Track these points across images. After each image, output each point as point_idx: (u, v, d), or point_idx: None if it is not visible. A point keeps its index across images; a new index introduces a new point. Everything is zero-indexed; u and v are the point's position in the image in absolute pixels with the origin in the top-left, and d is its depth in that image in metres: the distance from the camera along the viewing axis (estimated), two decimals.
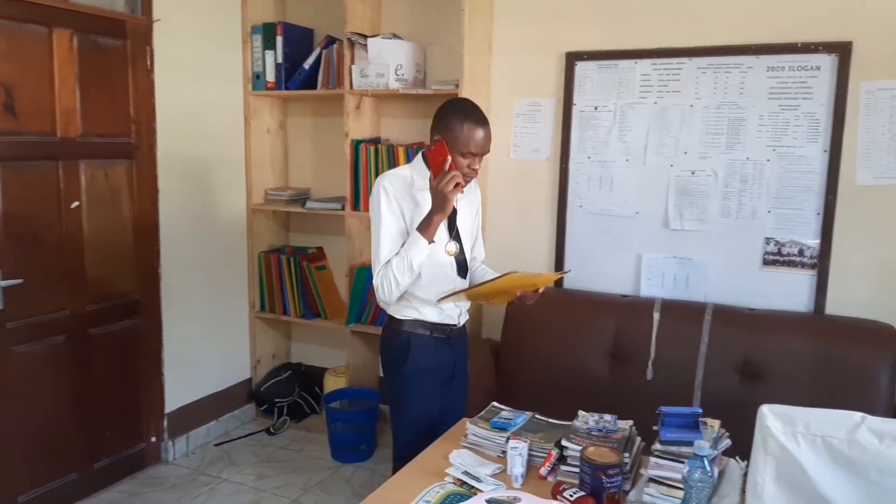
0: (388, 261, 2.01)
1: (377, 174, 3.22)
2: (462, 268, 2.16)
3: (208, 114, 3.35)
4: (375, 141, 3.35)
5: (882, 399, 2.47)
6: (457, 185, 1.94)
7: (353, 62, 3.23)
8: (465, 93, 2.96)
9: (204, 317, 3.44)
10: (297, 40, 3.47)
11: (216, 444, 3.46)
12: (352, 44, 3.22)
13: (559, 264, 3.16)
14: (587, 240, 3.10)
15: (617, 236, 3.03)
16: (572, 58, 3.00)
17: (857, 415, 1.25)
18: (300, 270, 3.56)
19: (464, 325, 2.27)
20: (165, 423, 3.26)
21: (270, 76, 3.46)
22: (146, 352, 3.15)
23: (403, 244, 2.01)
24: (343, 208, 3.38)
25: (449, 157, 1.96)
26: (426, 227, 1.97)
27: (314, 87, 3.40)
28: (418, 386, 2.14)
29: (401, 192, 2.05)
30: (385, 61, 3.10)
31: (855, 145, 2.62)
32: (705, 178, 2.84)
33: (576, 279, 3.13)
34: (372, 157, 3.24)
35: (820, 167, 2.67)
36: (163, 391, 3.24)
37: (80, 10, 2.75)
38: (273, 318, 3.69)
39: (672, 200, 2.91)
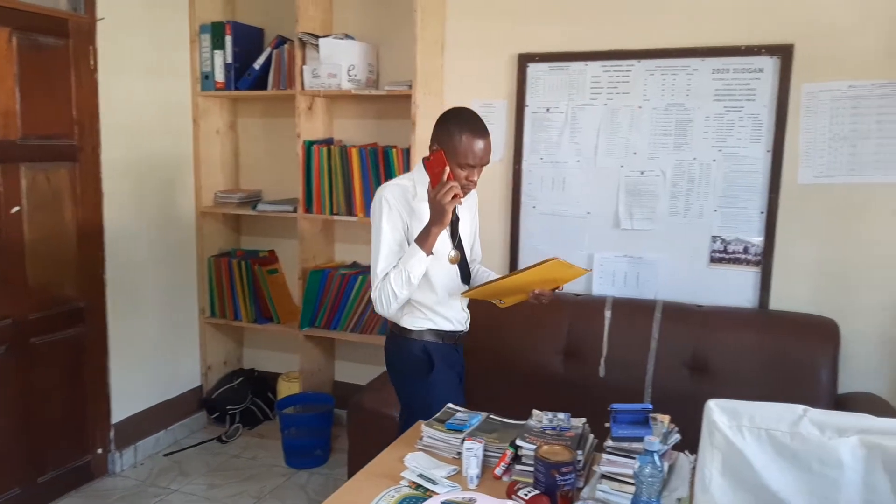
0: (387, 274, 2.01)
1: (330, 175, 3.20)
2: (465, 273, 2.18)
3: (155, 115, 3.26)
4: (328, 142, 3.31)
5: (824, 391, 2.55)
6: (455, 196, 1.91)
7: (304, 62, 3.19)
8: (418, 93, 2.96)
9: (152, 323, 3.35)
10: (247, 40, 3.42)
11: (166, 455, 3.38)
12: (303, 44, 3.18)
13: (513, 265, 3.17)
14: (541, 240, 3.12)
15: (569, 236, 3.06)
16: (524, 59, 3.02)
17: (800, 408, 1.28)
18: (252, 274, 3.50)
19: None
20: (112, 433, 3.16)
21: (220, 76, 3.39)
22: (91, 360, 3.05)
23: (402, 257, 2.01)
24: (295, 210, 3.33)
25: (447, 168, 1.93)
26: (424, 240, 1.96)
27: (265, 87, 3.35)
28: (446, 390, 2.18)
29: (401, 202, 2.04)
30: (337, 62, 3.07)
31: (796, 145, 2.70)
32: (654, 178, 2.90)
33: None
34: (325, 159, 3.21)
35: (763, 167, 2.74)
36: (109, 401, 3.14)
37: (20, 7, 2.66)
38: (224, 323, 3.61)
39: (622, 200, 2.96)
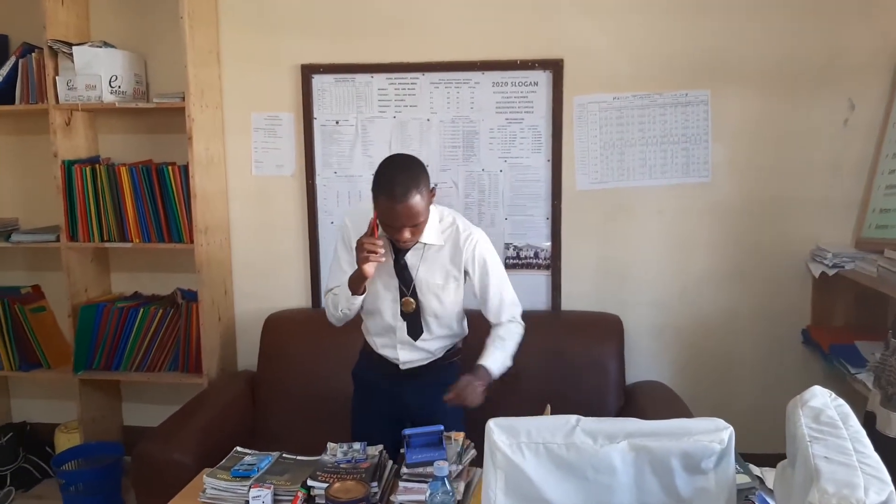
0: (330, 289, 2.10)
1: (97, 198, 2.88)
2: (414, 327, 2.05)
3: None
4: (94, 161, 2.95)
5: (614, 383, 2.71)
6: (369, 254, 1.85)
7: (57, 73, 2.82)
8: (192, 105, 2.74)
9: None
10: None
11: None
12: (54, 52, 2.81)
13: (315, 284, 3.05)
14: None
15: None
16: (308, 70, 2.91)
17: (573, 418, 1.29)
18: (12, 314, 3.05)
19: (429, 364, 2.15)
20: None
21: None
22: None
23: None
24: (58, 239, 2.94)
25: (374, 222, 1.87)
26: (351, 281, 1.96)
27: (12, 101, 2.92)
28: (360, 421, 2.23)
29: (361, 226, 1.95)
30: (95, 72, 2.75)
31: (573, 154, 2.85)
32: (448, 189, 2.92)
33: None
34: (89, 179, 2.86)
35: (545, 175, 2.87)
36: None
37: None
38: None
39: None
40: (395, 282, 2.02)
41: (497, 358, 2.01)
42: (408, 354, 2.11)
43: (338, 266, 2.07)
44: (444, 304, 2.05)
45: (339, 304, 2.02)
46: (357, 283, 1.94)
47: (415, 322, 2.05)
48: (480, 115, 2.86)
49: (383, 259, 1.89)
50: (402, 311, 2.04)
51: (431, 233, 1.98)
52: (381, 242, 1.88)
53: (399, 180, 1.81)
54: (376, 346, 2.14)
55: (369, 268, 1.88)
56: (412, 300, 2.02)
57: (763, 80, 2.74)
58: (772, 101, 2.75)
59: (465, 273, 2.05)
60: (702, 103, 2.77)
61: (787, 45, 2.71)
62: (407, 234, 1.87)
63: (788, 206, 2.80)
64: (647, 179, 2.84)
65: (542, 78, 2.81)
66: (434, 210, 2.00)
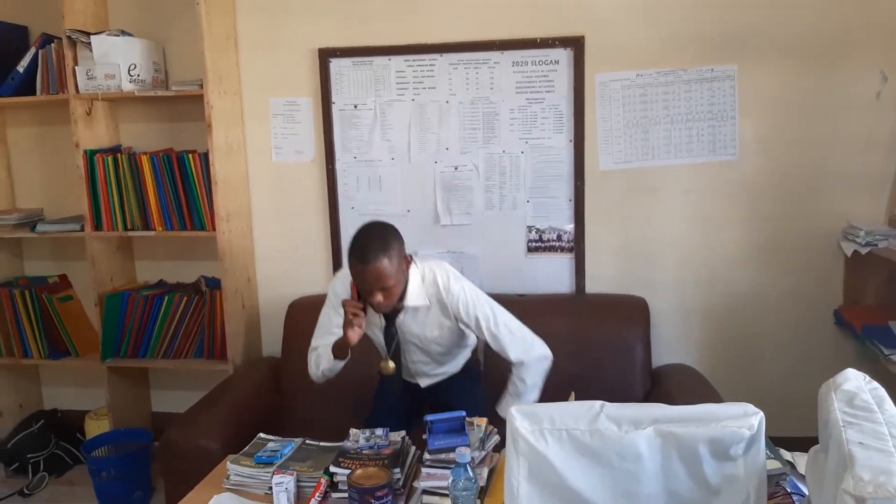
0: (315, 347, 2.15)
1: (120, 188, 2.89)
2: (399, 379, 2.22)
3: None
4: (115, 150, 2.97)
5: (640, 366, 2.67)
6: (352, 318, 1.95)
7: (77, 63, 2.83)
8: (211, 93, 2.73)
9: None
10: (6, 39, 2.98)
11: None
12: (73, 42, 2.81)
13: (337, 269, 3.04)
14: None
15: None
16: (325, 54, 2.88)
17: (597, 404, 1.27)
18: (40, 304, 3.09)
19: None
20: None
21: None
22: None
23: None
24: (83, 229, 2.97)
25: (353, 284, 1.98)
26: (336, 347, 2.05)
27: (33, 92, 2.94)
28: (379, 407, 2.37)
29: (345, 293, 2.06)
30: (114, 61, 2.75)
31: (595, 134, 2.79)
32: (468, 172, 2.88)
33: None
34: (111, 168, 2.87)
35: (567, 156, 2.82)
36: None
37: None
38: (12, 362, 3.16)
39: (440, 196, 2.92)
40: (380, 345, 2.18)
41: (507, 402, 2.10)
42: (426, 380, 2.27)
43: (326, 327, 2.15)
44: (443, 343, 2.16)
45: (321, 364, 2.12)
46: (341, 349, 2.04)
47: (398, 377, 2.21)
48: (500, 96, 2.81)
49: (363, 325, 1.98)
50: (379, 371, 2.16)
51: (415, 296, 2.05)
52: (361, 305, 1.97)
53: (369, 246, 1.90)
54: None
55: (353, 336, 1.97)
56: (391, 363, 2.13)
57: (792, 53, 2.65)
58: (801, 74, 2.66)
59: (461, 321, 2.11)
60: (728, 78, 2.69)
61: (817, 16, 2.62)
62: (379, 297, 1.93)
63: (819, 183, 2.72)
64: (672, 158, 2.77)
65: (563, 56, 2.75)
66: (415, 271, 2.06)
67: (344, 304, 1.98)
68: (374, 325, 2.14)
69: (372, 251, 1.89)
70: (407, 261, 2.01)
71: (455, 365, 2.28)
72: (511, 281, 2.89)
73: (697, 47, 2.70)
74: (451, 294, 2.05)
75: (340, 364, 2.09)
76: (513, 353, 2.07)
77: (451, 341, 2.17)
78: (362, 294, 1.96)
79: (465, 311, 2.06)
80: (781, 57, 2.66)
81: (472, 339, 2.28)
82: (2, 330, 3.14)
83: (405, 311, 2.08)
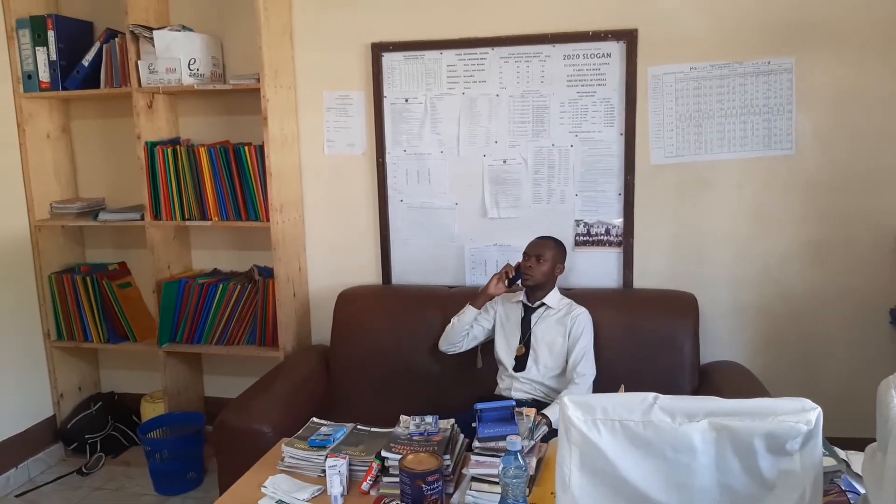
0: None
1: (178, 178, 2.99)
2: (520, 365, 2.55)
3: None
4: (174, 142, 3.06)
5: (688, 362, 2.64)
6: (498, 278, 2.56)
7: (139, 57, 2.93)
8: (267, 86, 2.79)
9: None
10: (73, 35, 3.09)
11: (17, 495, 3.04)
12: (136, 37, 2.91)
13: (385, 261, 3.09)
14: (410, 234, 3.06)
15: (439, 229, 3.02)
16: (378, 49, 2.92)
17: (651, 395, 1.27)
18: (100, 290, 3.20)
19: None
20: None
21: (44, 76, 3.05)
22: None
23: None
24: (142, 218, 3.07)
25: (510, 266, 2.59)
26: (478, 294, 2.62)
27: (98, 85, 3.05)
28: None
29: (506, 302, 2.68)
30: (175, 55, 2.83)
31: (647, 127, 2.77)
32: (516, 165, 2.89)
33: (402, 274, 3.09)
34: (170, 160, 2.97)
35: (618, 150, 2.80)
36: None
37: None
38: (73, 346, 3.29)
39: (488, 189, 2.94)
40: (516, 335, 2.59)
41: (556, 410, 2.24)
42: (518, 387, 2.55)
43: (471, 312, 2.64)
44: (552, 349, 2.53)
45: (454, 320, 2.63)
46: (479, 297, 2.59)
47: (521, 361, 2.55)
48: (551, 89, 2.81)
49: (505, 286, 2.56)
50: (515, 355, 2.57)
51: (552, 300, 2.58)
52: (512, 273, 2.55)
53: (546, 237, 2.64)
54: (499, 390, 2.61)
55: (493, 286, 2.55)
56: (523, 347, 2.55)
57: (853, 45, 2.58)
58: (862, 67, 2.59)
59: (569, 335, 2.52)
60: (785, 71, 2.64)
61: (882, 5, 2.54)
62: (531, 262, 2.52)
63: (878, 178, 2.65)
64: (725, 153, 2.73)
65: (615, 49, 2.73)
66: (558, 290, 2.63)
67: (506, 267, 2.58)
68: (512, 324, 2.61)
69: (547, 237, 2.63)
70: (560, 269, 2.59)
71: (546, 386, 2.55)
72: None
73: (753, 40, 2.65)
74: (578, 311, 2.56)
75: (470, 314, 2.60)
76: (586, 367, 2.49)
77: (557, 348, 2.54)
78: (522, 262, 2.55)
79: (579, 322, 2.53)
80: (842, 49, 2.60)
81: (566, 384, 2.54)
82: (63, 314, 3.27)
83: (541, 309, 2.56)
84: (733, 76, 2.67)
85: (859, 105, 2.62)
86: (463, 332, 2.63)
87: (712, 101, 2.70)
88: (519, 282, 2.59)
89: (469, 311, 2.60)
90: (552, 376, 2.53)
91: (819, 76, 2.63)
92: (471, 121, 2.90)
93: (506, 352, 2.59)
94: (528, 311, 2.59)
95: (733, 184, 2.75)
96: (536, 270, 2.52)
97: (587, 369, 2.49)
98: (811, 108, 2.65)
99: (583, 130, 2.81)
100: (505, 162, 2.90)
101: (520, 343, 2.56)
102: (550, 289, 2.59)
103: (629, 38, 2.71)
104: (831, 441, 1.62)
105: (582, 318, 2.54)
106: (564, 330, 2.53)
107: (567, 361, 2.52)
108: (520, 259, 2.60)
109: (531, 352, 2.54)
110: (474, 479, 1.64)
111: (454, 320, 2.63)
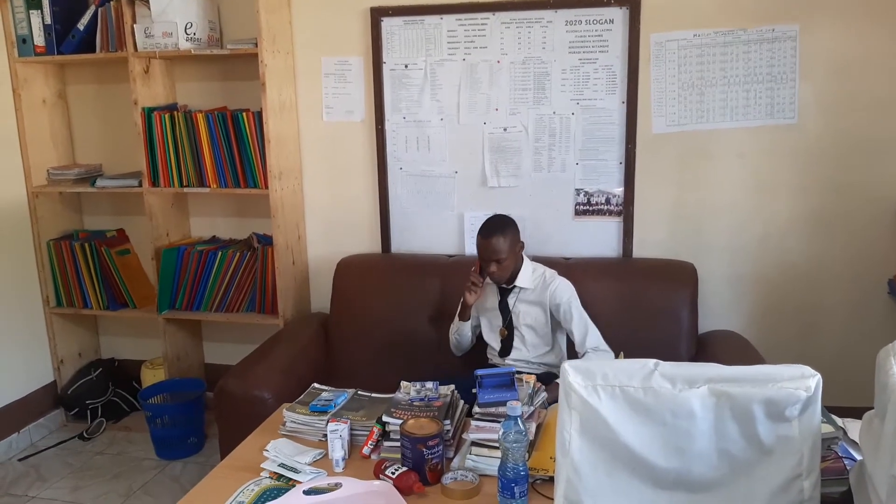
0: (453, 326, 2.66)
1: (176, 145, 2.96)
2: (505, 349, 2.52)
3: None
4: (171, 108, 3.03)
5: (686, 332, 2.65)
6: (468, 291, 2.47)
7: (135, 21, 2.88)
8: (265, 52, 2.75)
9: None
10: None
11: (20, 460, 3.08)
12: (131, 0, 2.86)
13: (384, 229, 3.09)
14: (410, 202, 3.05)
15: (438, 197, 3.01)
16: (377, 13, 2.88)
17: (651, 362, 1.28)
18: (99, 257, 3.20)
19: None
20: None
21: (39, 40, 3.01)
22: None
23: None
24: (140, 184, 3.05)
25: (478, 264, 2.44)
26: (460, 310, 2.58)
27: (93, 50, 3.01)
28: None
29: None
30: (171, 19, 2.79)
31: (649, 95, 2.74)
32: (517, 134, 2.87)
33: (401, 242, 3.08)
34: (168, 126, 2.94)
35: (619, 118, 2.78)
36: None
37: None
38: (73, 312, 3.30)
39: (488, 158, 2.92)
40: (498, 319, 2.53)
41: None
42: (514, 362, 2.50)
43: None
44: (535, 328, 2.47)
45: (453, 330, 2.63)
46: (463, 311, 2.55)
47: (505, 343, 2.52)
48: (552, 56, 2.77)
49: (478, 289, 2.46)
50: (500, 338, 2.54)
51: (525, 279, 2.46)
52: (480, 280, 2.44)
53: (490, 226, 2.40)
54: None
55: (468, 298, 2.48)
56: (505, 330, 2.50)
57: (857, 12, 2.55)
58: (866, 34, 2.56)
59: (551, 312, 2.45)
60: (789, 39, 2.61)
61: None
62: (493, 268, 2.38)
63: (880, 148, 2.63)
64: (727, 121, 2.71)
65: (618, 15, 2.69)
66: (528, 263, 2.49)
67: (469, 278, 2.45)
68: (490, 309, 2.54)
69: (492, 230, 2.38)
70: (520, 246, 2.45)
71: (534, 361, 2.50)
72: (557, 244, 2.89)
73: (758, 6, 2.61)
74: (555, 282, 2.45)
75: (465, 326, 2.57)
76: (590, 341, 2.39)
77: (541, 324, 2.48)
78: (483, 266, 2.41)
79: (559, 295, 2.43)
80: (846, 16, 2.56)
81: (558, 356, 2.51)
82: (63, 281, 3.27)
83: (515, 290, 2.46)
84: (737, 43, 2.64)
85: (863, 74, 2.59)
86: (468, 340, 2.62)
87: (715, 68, 2.68)
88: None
89: (463, 326, 2.58)
90: (543, 353, 2.50)
91: (823, 44, 2.60)
92: (471, 87, 2.87)
93: (491, 336, 2.57)
94: (504, 294, 2.51)
95: (735, 153, 2.74)
96: (502, 271, 2.40)
97: (598, 339, 2.41)
98: (814, 76, 2.63)
99: (584, 98, 2.79)
100: (505, 130, 2.88)
101: (502, 326, 2.52)
102: (519, 267, 2.47)
103: (632, 3, 2.67)
104: (830, 410, 1.63)
105: (559, 291, 2.44)
106: (544, 307, 2.46)
107: (554, 336, 2.49)
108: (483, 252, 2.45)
109: (516, 332, 2.49)
110: (474, 443, 1.66)
111: (454, 337, 2.63)
